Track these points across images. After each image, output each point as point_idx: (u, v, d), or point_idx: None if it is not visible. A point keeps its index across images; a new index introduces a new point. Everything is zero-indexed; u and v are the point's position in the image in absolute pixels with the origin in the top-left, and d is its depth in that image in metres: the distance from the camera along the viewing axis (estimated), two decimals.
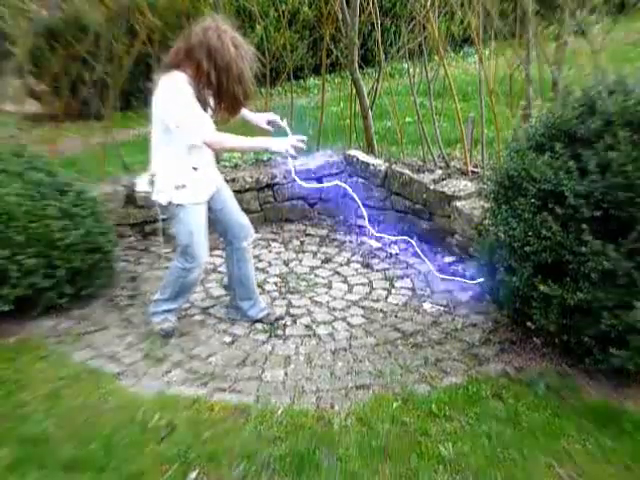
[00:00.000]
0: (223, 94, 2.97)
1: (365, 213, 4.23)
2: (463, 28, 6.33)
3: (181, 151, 3.07)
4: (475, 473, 2.41)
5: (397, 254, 4.43)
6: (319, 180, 5.07)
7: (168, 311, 3.42)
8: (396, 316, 3.62)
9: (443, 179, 4.51)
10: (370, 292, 3.92)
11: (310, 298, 3.85)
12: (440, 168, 4.72)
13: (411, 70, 5.16)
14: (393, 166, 4.81)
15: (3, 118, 5.54)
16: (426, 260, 4.05)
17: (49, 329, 3.45)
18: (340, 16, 5.06)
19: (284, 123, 3.36)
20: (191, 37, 2.94)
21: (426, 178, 4.53)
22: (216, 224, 3.43)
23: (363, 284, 4.03)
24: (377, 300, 3.81)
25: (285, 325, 3.53)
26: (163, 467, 2.46)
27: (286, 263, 4.34)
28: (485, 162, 4.63)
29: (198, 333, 3.45)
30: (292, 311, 3.69)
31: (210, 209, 3.32)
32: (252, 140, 3.10)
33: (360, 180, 4.97)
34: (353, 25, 5.01)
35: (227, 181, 3.72)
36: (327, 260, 4.38)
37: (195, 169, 3.13)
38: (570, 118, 2.91)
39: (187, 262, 3.24)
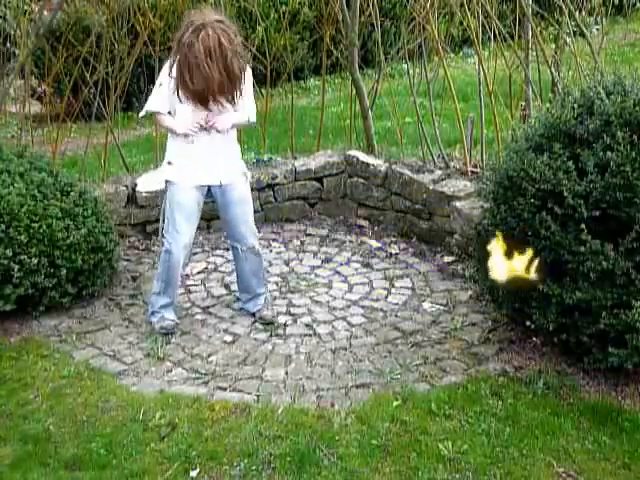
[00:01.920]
0: (180, 86, 3.18)
1: None
2: (462, 29, 6.34)
3: None
4: (474, 471, 2.43)
5: (397, 254, 4.45)
6: (319, 180, 5.09)
7: (164, 307, 3.44)
8: (396, 315, 3.63)
9: (443, 179, 4.51)
10: (370, 292, 3.93)
11: (310, 297, 3.86)
12: (440, 168, 4.73)
13: (411, 71, 5.17)
14: (393, 166, 4.82)
15: (5, 119, 5.58)
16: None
17: (51, 328, 3.47)
18: (340, 17, 5.08)
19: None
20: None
21: (426, 178, 4.54)
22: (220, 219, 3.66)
23: (363, 284, 4.04)
24: (377, 299, 3.82)
25: (285, 324, 3.54)
26: (164, 465, 2.48)
27: (287, 263, 4.35)
28: (484, 162, 4.64)
29: (199, 332, 3.47)
30: (292, 310, 3.70)
31: (217, 205, 3.49)
32: (172, 122, 3.32)
33: (360, 180, 4.98)
34: (353, 26, 5.02)
35: None
36: (327, 260, 4.39)
37: (180, 149, 3.35)
38: (569, 119, 2.92)
39: (167, 243, 3.36)
